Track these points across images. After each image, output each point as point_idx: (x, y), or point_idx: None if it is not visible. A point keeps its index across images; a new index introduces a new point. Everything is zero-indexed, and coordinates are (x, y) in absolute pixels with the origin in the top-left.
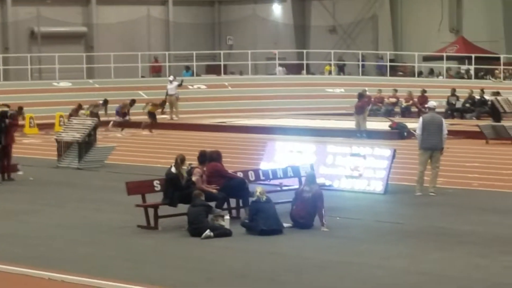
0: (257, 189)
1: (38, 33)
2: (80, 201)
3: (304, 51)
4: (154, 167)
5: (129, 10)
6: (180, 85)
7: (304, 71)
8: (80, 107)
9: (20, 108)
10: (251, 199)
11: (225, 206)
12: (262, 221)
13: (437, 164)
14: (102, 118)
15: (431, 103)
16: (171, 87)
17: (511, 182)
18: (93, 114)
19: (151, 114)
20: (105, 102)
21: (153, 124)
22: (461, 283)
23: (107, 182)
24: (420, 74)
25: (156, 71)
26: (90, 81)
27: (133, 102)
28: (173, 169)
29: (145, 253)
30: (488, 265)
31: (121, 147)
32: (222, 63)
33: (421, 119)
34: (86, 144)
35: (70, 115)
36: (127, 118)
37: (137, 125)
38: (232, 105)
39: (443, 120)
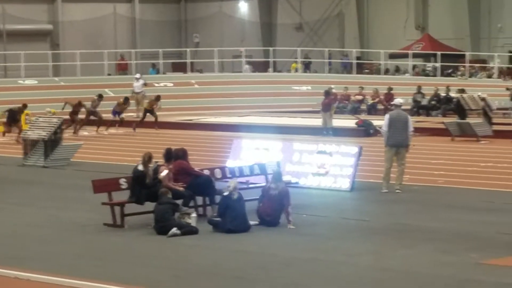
0: (231, 183)
1: (3, 30)
2: (46, 200)
3: (271, 48)
4: (121, 165)
5: (95, 8)
6: (145, 85)
7: (271, 69)
8: (80, 104)
9: None
10: (223, 193)
11: (192, 204)
12: (229, 219)
13: (403, 161)
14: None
15: (397, 100)
16: (137, 85)
17: (476, 179)
18: (92, 112)
19: (148, 111)
20: (100, 97)
21: (152, 121)
22: (427, 280)
23: (74, 180)
24: (386, 71)
25: (123, 69)
26: (56, 79)
27: (126, 100)
28: (140, 167)
29: (112, 251)
30: (454, 261)
31: (87, 145)
32: (188, 60)
33: (387, 116)
34: (52, 142)
35: (74, 111)
36: (122, 116)
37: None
38: (199, 102)
39: (409, 117)
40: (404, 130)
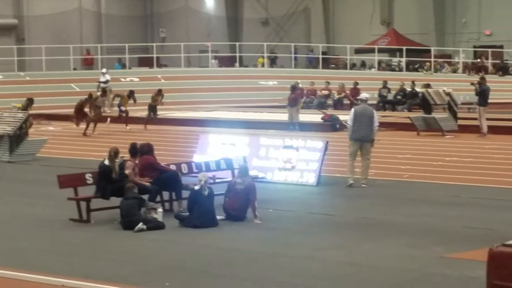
0: (202, 176)
1: None
2: (11, 195)
3: (237, 43)
4: (87, 160)
5: (61, 2)
6: (106, 82)
7: (237, 64)
8: (90, 96)
9: None
10: (194, 187)
11: (158, 199)
12: (197, 215)
13: (367, 156)
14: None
15: (363, 95)
16: (104, 80)
17: (441, 174)
18: (95, 107)
19: (152, 108)
20: (104, 92)
21: (152, 119)
22: (393, 274)
23: (39, 176)
24: (353, 66)
25: (88, 64)
26: (21, 73)
27: (131, 93)
28: (106, 162)
29: (78, 246)
30: (419, 255)
31: (53, 140)
32: (154, 55)
33: (353, 110)
34: (17, 137)
35: (82, 106)
36: (126, 109)
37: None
38: (165, 98)
39: (375, 112)
40: (369, 125)
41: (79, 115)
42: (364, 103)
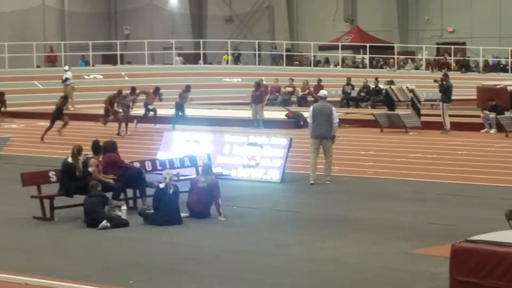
0: (166, 174)
1: None
2: None
3: (201, 40)
4: (50, 158)
5: None
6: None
7: (201, 61)
8: (120, 93)
9: None
10: (159, 186)
11: (122, 196)
12: (162, 214)
13: (329, 153)
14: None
15: (322, 92)
16: (66, 77)
17: (405, 170)
18: (122, 105)
19: (179, 106)
20: (133, 89)
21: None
22: (357, 270)
23: (2, 174)
24: (317, 63)
25: (52, 61)
26: None
27: (157, 90)
28: (69, 160)
29: (41, 244)
30: (383, 251)
31: (16, 138)
32: (118, 53)
33: (311, 108)
34: None
35: (111, 102)
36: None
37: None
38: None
39: (333, 108)
40: (328, 122)
41: (108, 112)
42: (323, 100)
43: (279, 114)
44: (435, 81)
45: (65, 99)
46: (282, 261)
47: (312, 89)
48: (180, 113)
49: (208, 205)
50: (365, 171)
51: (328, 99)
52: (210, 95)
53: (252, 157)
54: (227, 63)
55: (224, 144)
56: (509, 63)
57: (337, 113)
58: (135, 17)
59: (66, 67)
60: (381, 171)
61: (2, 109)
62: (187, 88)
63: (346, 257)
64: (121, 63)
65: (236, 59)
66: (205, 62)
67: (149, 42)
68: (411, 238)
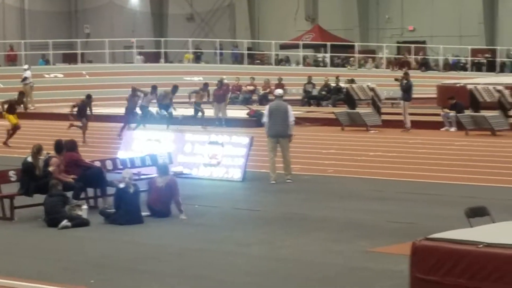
0: (125, 174)
1: None
2: None
3: (162, 39)
4: (10, 157)
5: None
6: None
7: (163, 60)
8: (89, 98)
9: None
10: (119, 185)
11: (83, 195)
12: (123, 213)
13: (287, 151)
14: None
15: (277, 91)
16: (26, 76)
17: (365, 168)
18: (143, 107)
19: (198, 105)
20: (175, 88)
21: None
22: (318, 268)
23: None
24: (280, 62)
25: (12, 60)
26: None
27: (175, 89)
28: (30, 159)
29: (1, 244)
30: (344, 249)
31: None
32: (79, 51)
33: (267, 106)
34: None
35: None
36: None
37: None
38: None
39: (289, 107)
40: (284, 121)
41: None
42: (279, 99)
43: (241, 113)
44: (396, 79)
45: (21, 95)
46: (243, 260)
47: (273, 87)
48: (200, 113)
49: (168, 204)
50: (326, 170)
51: (290, 98)
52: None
53: (213, 156)
54: (189, 61)
55: (185, 143)
56: (469, 61)
57: (299, 112)
58: (96, 15)
59: (26, 66)
60: (342, 170)
61: None
62: (205, 87)
63: (307, 256)
64: (82, 62)
65: (198, 58)
66: (166, 61)
67: (110, 41)
68: (371, 237)
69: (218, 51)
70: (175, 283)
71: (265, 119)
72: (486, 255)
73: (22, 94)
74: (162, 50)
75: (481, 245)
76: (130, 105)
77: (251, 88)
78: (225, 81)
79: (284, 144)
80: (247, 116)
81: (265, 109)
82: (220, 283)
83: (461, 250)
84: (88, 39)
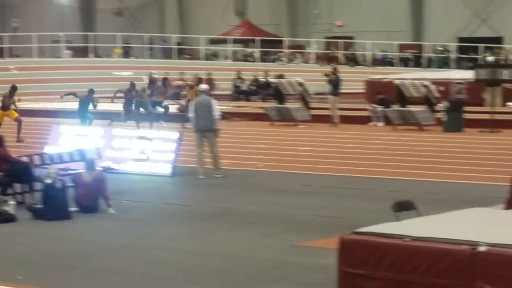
0: (51, 170)
1: None
2: None
3: (90, 33)
4: None
5: None
6: None
7: (92, 54)
8: (200, 80)
9: None
10: (46, 181)
11: (10, 191)
12: (50, 209)
13: (214, 146)
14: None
15: (202, 86)
16: None
17: (294, 163)
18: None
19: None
20: (165, 79)
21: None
22: (247, 263)
23: None
24: (210, 57)
25: None
26: None
27: (200, 81)
28: None
29: None
30: (272, 244)
31: None
32: (6, 45)
33: (192, 102)
34: None
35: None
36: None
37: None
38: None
39: (213, 101)
40: (209, 115)
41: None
42: (203, 94)
43: (170, 107)
44: (325, 74)
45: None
46: (173, 255)
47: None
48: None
49: (96, 199)
50: (255, 164)
51: (219, 93)
52: (100, 89)
53: (143, 151)
54: (119, 56)
55: (113, 137)
56: (397, 57)
57: (228, 107)
58: (24, 9)
59: None
60: (271, 164)
61: None
62: (210, 80)
63: (236, 250)
64: (10, 56)
65: (127, 53)
66: (96, 55)
67: (38, 35)
68: (299, 231)
69: (147, 46)
70: (104, 279)
71: (191, 114)
72: (412, 249)
73: (14, 88)
74: (91, 45)
75: (407, 239)
76: (128, 100)
77: (180, 82)
78: (155, 76)
79: (211, 138)
80: (177, 111)
81: (190, 105)
82: (148, 277)
83: (388, 244)
84: (16, 33)
